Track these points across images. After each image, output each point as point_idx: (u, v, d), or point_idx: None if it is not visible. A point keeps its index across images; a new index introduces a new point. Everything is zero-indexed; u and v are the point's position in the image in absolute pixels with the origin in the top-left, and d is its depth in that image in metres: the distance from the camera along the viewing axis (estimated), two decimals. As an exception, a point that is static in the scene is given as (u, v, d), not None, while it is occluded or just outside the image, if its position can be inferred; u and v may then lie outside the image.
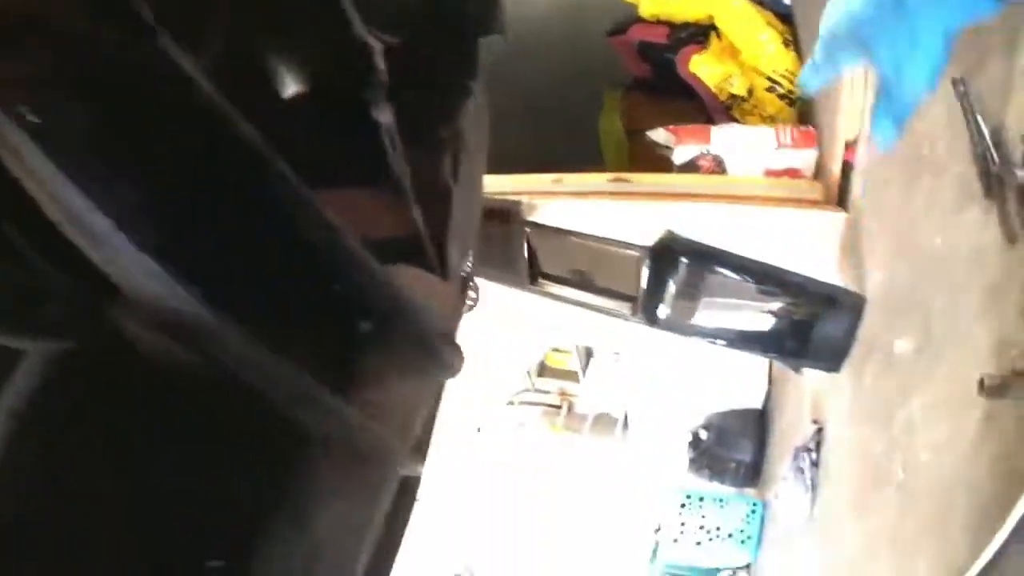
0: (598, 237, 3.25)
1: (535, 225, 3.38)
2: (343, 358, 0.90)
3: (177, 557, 0.78)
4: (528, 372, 8.09)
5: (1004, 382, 1.80)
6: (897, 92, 1.10)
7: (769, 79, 4.42)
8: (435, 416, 1.24)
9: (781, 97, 4.45)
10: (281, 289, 0.83)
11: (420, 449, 1.18)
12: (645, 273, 3.21)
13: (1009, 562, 1.65)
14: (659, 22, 4.83)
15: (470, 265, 1.28)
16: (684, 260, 3.23)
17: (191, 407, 0.82)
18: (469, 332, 3.87)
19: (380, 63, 0.98)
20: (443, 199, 1.17)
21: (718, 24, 4.54)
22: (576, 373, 7.88)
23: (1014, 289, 1.90)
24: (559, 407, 8.13)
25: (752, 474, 6.09)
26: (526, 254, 3.38)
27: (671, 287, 3.25)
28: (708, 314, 3.38)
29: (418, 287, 1.06)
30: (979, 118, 2.07)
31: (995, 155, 1.99)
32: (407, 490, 1.12)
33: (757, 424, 6.14)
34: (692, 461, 6.33)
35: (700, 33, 4.64)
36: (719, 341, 3.46)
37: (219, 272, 0.78)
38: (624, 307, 3.31)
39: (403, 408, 1.05)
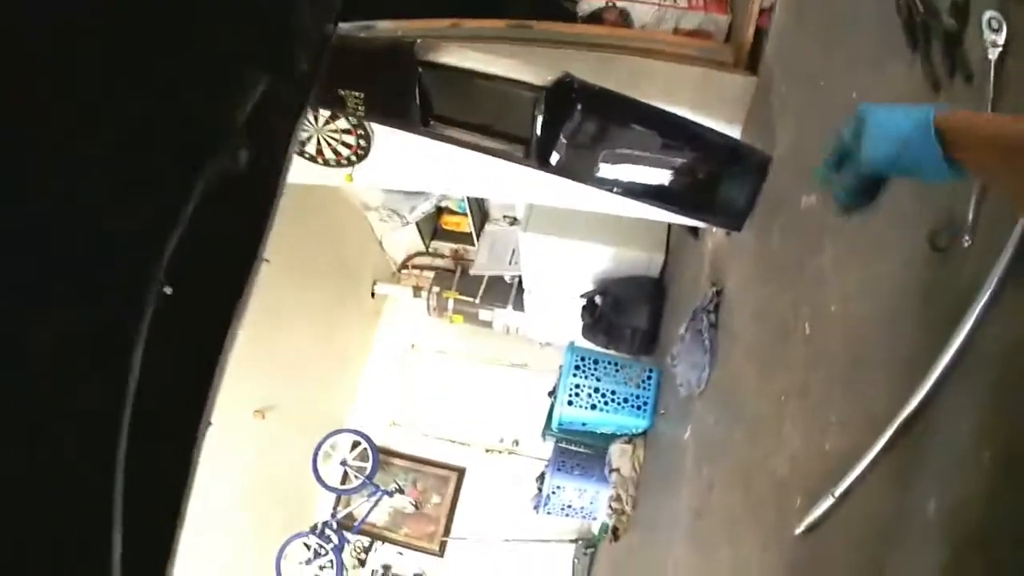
0: (494, 76, 3.05)
1: (428, 64, 3.17)
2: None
3: None
4: (421, 233, 7.99)
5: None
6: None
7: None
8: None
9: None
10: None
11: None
12: (540, 115, 3.06)
13: (938, 410, 1.56)
14: None
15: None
16: (580, 104, 3.09)
17: None
18: (362, 182, 3.62)
19: None
20: None
21: None
22: (471, 235, 7.79)
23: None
24: (453, 271, 8.05)
25: (648, 342, 6.07)
26: (418, 95, 3.18)
27: (565, 131, 3.10)
28: (607, 162, 3.24)
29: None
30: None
31: (920, 5, 1.96)
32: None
33: (654, 292, 6.09)
34: (587, 327, 6.28)
35: None
36: (616, 190, 3.33)
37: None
38: (518, 149, 3.13)
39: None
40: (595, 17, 4.04)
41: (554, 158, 3.09)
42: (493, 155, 3.20)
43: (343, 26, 3.69)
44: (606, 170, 3.19)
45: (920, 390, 1.57)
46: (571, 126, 3.02)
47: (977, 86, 1.66)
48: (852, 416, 2.03)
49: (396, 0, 3.92)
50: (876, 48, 2.30)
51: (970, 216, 1.54)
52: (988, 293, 1.40)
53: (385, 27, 3.77)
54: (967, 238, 1.55)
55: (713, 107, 3.68)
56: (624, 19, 4.02)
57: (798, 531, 2.15)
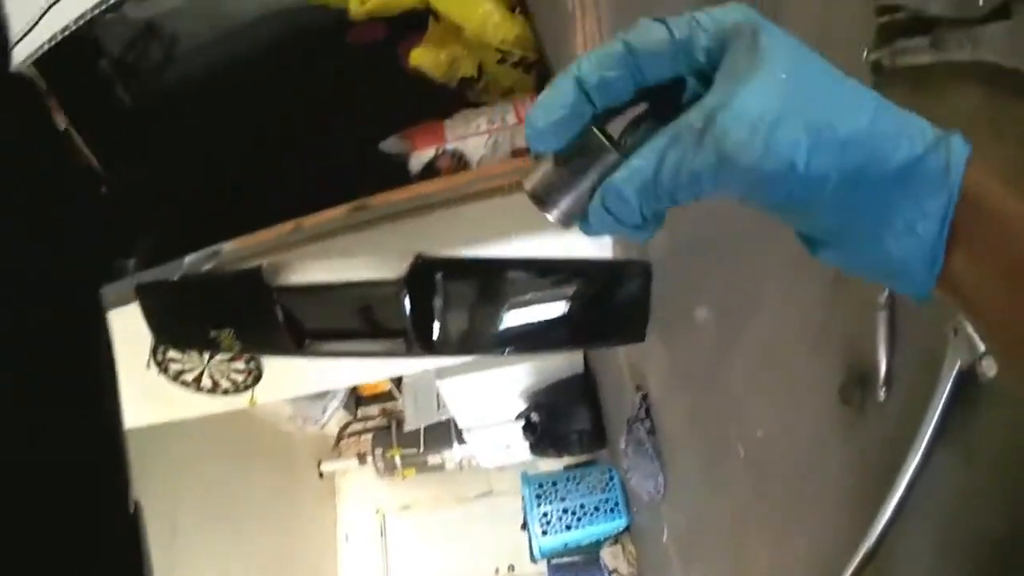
0: (349, 283, 2.95)
1: (283, 289, 3.06)
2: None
3: None
4: (344, 406, 7.89)
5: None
6: None
7: (499, 51, 4.02)
8: None
9: (515, 66, 4.08)
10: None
11: None
12: (406, 304, 2.95)
13: (891, 559, 1.45)
14: (374, 20, 4.21)
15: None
16: (440, 279, 2.98)
17: None
18: (266, 399, 3.47)
19: None
20: None
21: (434, 4, 4.02)
22: (391, 391, 7.73)
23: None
24: (389, 427, 7.93)
25: (597, 438, 5.96)
26: (282, 319, 3.06)
27: (436, 310, 2.99)
28: (488, 325, 3.12)
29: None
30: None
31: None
32: None
33: (585, 389, 6.00)
34: (533, 445, 6.14)
35: (417, 20, 4.21)
36: (508, 351, 3.21)
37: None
38: (398, 344, 3.00)
39: None
40: (430, 169, 3.92)
41: (435, 335, 2.98)
42: (376, 356, 3.10)
43: (191, 257, 3.57)
44: (489, 332, 3.09)
45: (865, 542, 1.46)
46: (439, 305, 2.92)
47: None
48: (812, 552, 1.92)
49: (235, 216, 3.80)
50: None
51: (882, 368, 1.40)
52: (920, 452, 1.26)
53: (231, 248, 3.66)
54: (882, 391, 1.41)
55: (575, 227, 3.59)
56: (459, 161, 3.90)
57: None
